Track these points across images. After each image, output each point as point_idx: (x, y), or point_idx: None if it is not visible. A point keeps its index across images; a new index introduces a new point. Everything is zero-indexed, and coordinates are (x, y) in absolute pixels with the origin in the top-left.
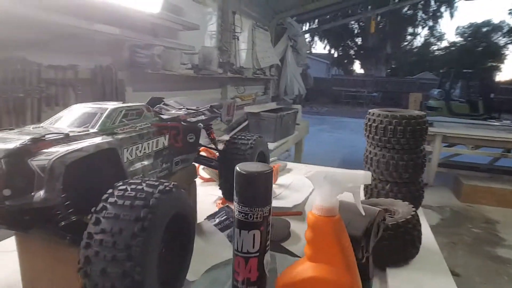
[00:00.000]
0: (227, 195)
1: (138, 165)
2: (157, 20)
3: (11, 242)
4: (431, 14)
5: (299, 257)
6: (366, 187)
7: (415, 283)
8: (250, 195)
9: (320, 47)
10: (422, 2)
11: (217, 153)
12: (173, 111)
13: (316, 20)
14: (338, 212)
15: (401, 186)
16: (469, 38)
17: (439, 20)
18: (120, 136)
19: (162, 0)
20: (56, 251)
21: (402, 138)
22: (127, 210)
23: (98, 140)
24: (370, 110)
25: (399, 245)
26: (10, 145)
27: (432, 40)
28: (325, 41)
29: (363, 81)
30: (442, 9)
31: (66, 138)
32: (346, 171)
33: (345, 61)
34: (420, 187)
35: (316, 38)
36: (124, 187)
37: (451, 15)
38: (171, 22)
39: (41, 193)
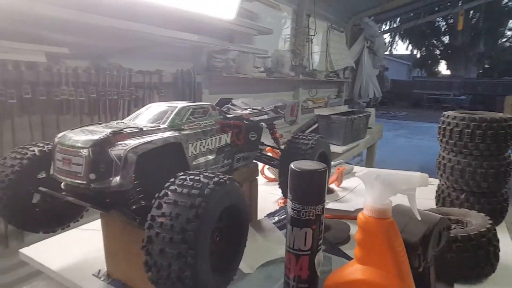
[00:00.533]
0: (287, 194)
1: (201, 160)
2: (233, 26)
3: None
4: None
5: (351, 258)
6: (438, 195)
7: None
8: (303, 193)
9: (401, 48)
10: None
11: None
12: (239, 111)
13: (398, 19)
14: (391, 215)
15: (479, 197)
16: None
17: None
18: (186, 132)
19: (238, 6)
20: (130, 232)
21: (482, 143)
22: (184, 197)
23: (166, 134)
24: (445, 113)
25: (469, 260)
26: (96, 137)
27: None
28: (407, 41)
29: (449, 83)
30: None
31: (140, 132)
32: (401, 172)
33: (429, 61)
34: (504, 199)
35: (397, 38)
36: (184, 177)
37: None
38: (246, 28)
39: (117, 178)
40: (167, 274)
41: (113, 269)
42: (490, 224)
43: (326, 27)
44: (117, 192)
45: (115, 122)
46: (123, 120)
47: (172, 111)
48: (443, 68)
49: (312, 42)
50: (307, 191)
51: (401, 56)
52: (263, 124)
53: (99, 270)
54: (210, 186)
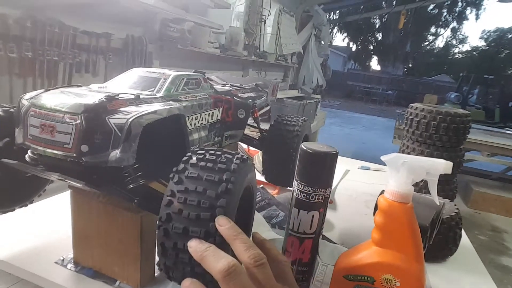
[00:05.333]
0: (269, 176)
1: (195, 136)
2: None
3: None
4: (456, 15)
5: (335, 243)
6: None
7: (454, 281)
8: (315, 175)
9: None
10: (449, 2)
11: (259, 133)
12: (218, 86)
13: (338, 12)
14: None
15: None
16: (493, 44)
17: (464, 22)
18: (184, 104)
19: None
20: (112, 213)
21: (445, 135)
22: (210, 172)
23: (168, 105)
24: (412, 104)
25: (440, 241)
26: (89, 100)
27: (454, 42)
28: (345, 34)
29: (379, 77)
30: (468, 11)
31: (138, 100)
32: (425, 158)
33: (363, 55)
34: (454, 187)
35: (335, 30)
36: (202, 151)
37: (477, 17)
38: None
39: (117, 152)
40: (189, 257)
41: (82, 255)
42: (457, 209)
43: (278, 9)
44: (110, 168)
45: (97, 85)
46: (104, 84)
47: (165, 79)
48: (374, 63)
49: (265, 23)
50: (319, 174)
51: (338, 48)
52: (251, 102)
53: (63, 257)
54: (236, 161)
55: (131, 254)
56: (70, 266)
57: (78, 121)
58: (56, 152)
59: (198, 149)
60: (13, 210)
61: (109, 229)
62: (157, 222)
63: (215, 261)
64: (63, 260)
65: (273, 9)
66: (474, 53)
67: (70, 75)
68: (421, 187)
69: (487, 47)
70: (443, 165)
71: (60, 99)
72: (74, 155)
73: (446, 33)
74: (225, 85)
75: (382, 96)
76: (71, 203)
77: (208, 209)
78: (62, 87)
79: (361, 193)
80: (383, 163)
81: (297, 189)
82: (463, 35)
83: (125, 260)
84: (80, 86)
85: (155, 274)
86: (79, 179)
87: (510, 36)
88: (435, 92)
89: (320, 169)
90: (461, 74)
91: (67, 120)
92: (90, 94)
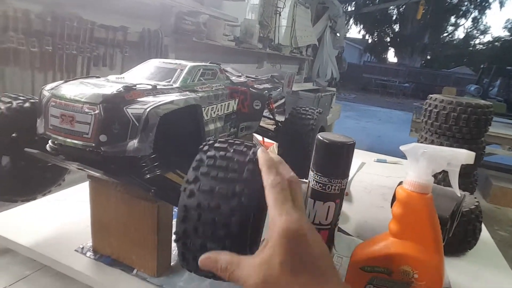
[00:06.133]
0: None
1: (211, 126)
2: None
3: (82, 188)
4: (478, 3)
5: (351, 235)
6: None
7: (473, 275)
8: (332, 166)
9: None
10: None
11: (275, 125)
12: (234, 77)
13: (354, 3)
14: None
15: None
16: None
17: (487, 12)
18: (200, 94)
19: None
20: (129, 202)
21: (465, 126)
22: (222, 183)
23: (185, 95)
24: (431, 95)
25: (460, 235)
26: (107, 91)
27: (474, 33)
28: (361, 26)
29: (395, 70)
30: None
31: (155, 90)
32: (446, 148)
33: (379, 48)
34: (475, 180)
35: (351, 22)
36: (212, 153)
37: (501, 5)
38: None
39: (135, 142)
40: (212, 218)
41: (100, 243)
42: (477, 202)
43: (294, 0)
44: (128, 158)
45: (114, 76)
46: (122, 75)
47: (182, 70)
48: (391, 55)
49: (280, 15)
50: (336, 164)
51: (353, 40)
52: (267, 93)
53: (82, 245)
54: (249, 166)
55: (148, 243)
56: (89, 254)
57: (97, 111)
58: (75, 141)
59: (207, 146)
60: (35, 198)
61: (127, 218)
62: (183, 185)
63: (288, 170)
64: (82, 248)
65: (288, 0)
66: (496, 43)
67: (88, 69)
68: (439, 179)
69: (511, 37)
70: (465, 156)
71: (79, 89)
72: (93, 144)
73: (466, 24)
74: (241, 76)
75: (398, 89)
76: (90, 193)
77: (222, 227)
78: (81, 78)
79: (378, 186)
80: (400, 156)
81: (313, 180)
82: (485, 26)
83: (142, 249)
84: (99, 77)
85: (172, 263)
86: (97, 168)
87: None
88: (454, 84)
89: (337, 160)
90: (481, 66)
91: (86, 110)
92: (108, 85)
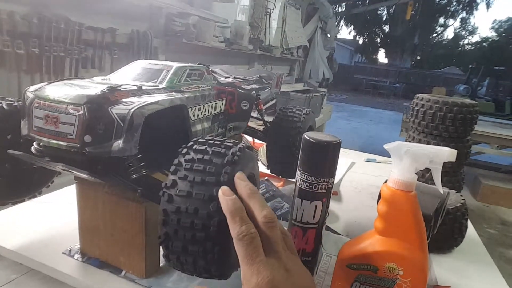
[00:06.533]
0: (274, 169)
1: (199, 127)
2: None
3: (70, 191)
4: (466, 4)
5: (340, 234)
6: None
7: (460, 271)
8: (318, 165)
9: (345, 32)
10: None
11: (263, 126)
12: (222, 78)
13: (344, 4)
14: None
15: (442, 175)
16: (504, 34)
17: (474, 12)
18: (186, 95)
19: None
20: (117, 203)
21: (451, 125)
22: (199, 188)
23: (170, 95)
24: (418, 95)
25: (446, 232)
26: (92, 92)
27: (463, 33)
28: (351, 27)
29: (386, 70)
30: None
31: (140, 91)
32: (429, 146)
33: (370, 49)
34: (461, 178)
35: (342, 23)
36: (190, 156)
37: (488, 6)
38: None
39: (120, 142)
40: (193, 268)
41: (89, 246)
42: (463, 199)
43: (284, 2)
44: (114, 159)
45: (100, 78)
46: (107, 76)
47: (168, 70)
48: (381, 56)
49: (270, 16)
50: (322, 163)
51: (344, 41)
52: (256, 93)
53: (70, 248)
54: (226, 169)
55: (136, 244)
56: (77, 256)
57: (81, 112)
58: (60, 142)
59: (186, 148)
60: (23, 201)
61: (114, 219)
62: (162, 189)
63: (261, 206)
64: (70, 250)
65: (279, 2)
66: (484, 44)
67: (76, 71)
68: (427, 178)
69: (498, 38)
70: (447, 153)
71: (63, 90)
72: (78, 145)
73: (455, 24)
74: (229, 77)
75: (389, 89)
76: (77, 195)
77: (201, 230)
78: (66, 79)
79: (367, 185)
80: (390, 155)
81: (300, 179)
82: (472, 26)
83: (130, 250)
84: (83, 78)
85: (160, 264)
86: (83, 169)
87: None
88: (444, 84)
89: (323, 159)
90: (470, 66)
91: (70, 111)
92: (93, 86)
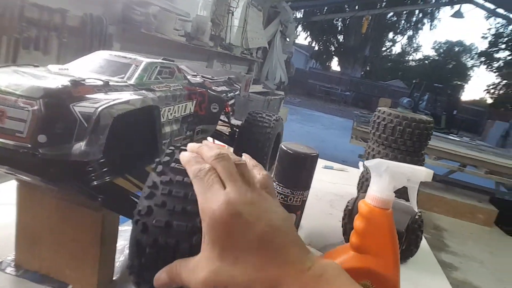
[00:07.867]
0: None
1: (168, 129)
2: None
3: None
4: (413, 24)
5: (309, 247)
6: (362, 182)
7: (414, 283)
8: (295, 177)
9: (301, 38)
10: (407, 11)
11: (229, 129)
12: (190, 77)
13: (303, 11)
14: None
15: None
16: (442, 55)
17: (419, 32)
18: (157, 94)
19: None
20: (65, 209)
21: (409, 140)
22: (180, 218)
23: (141, 94)
24: (380, 108)
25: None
26: (50, 84)
27: (408, 50)
28: (308, 33)
29: (339, 78)
30: (425, 20)
31: (107, 87)
32: (407, 165)
33: (324, 56)
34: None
35: (299, 28)
36: (167, 178)
37: (431, 27)
38: None
39: (82, 145)
40: (172, 253)
41: (26, 257)
42: (420, 213)
43: (246, 2)
44: (72, 162)
45: (57, 67)
46: (65, 66)
47: (137, 65)
48: (334, 64)
49: (233, 15)
50: (299, 176)
51: (300, 46)
52: (226, 96)
53: (1, 260)
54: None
55: (88, 255)
56: (9, 269)
57: (35, 107)
58: (6, 141)
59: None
60: None
61: (64, 227)
62: (134, 216)
63: (210, 149)
64: (1, 263)
65: (242, 1)
66: (426, 61)
67: (15, 51)
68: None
69: (438, 57)
70: (424, 173)
71: (13, 79)
72: (29, 145)
73: (402, 41)
74: (196, 76)
75: (340, 96)
76: (18, 195)
77: (195, 202)
78: (15, 66)
79: (326, 192)
80: (344, 163)
81: (276, 191)
82: (417, 44)
83: (80, 261)
84: (37, 66)
85: (114, 278)
86: (33, 174)
87: (457, 49)
88: (390, 96)
89: (300, 171)
90: (413, 81)
91: (22, 105)
92: (51, 77)
